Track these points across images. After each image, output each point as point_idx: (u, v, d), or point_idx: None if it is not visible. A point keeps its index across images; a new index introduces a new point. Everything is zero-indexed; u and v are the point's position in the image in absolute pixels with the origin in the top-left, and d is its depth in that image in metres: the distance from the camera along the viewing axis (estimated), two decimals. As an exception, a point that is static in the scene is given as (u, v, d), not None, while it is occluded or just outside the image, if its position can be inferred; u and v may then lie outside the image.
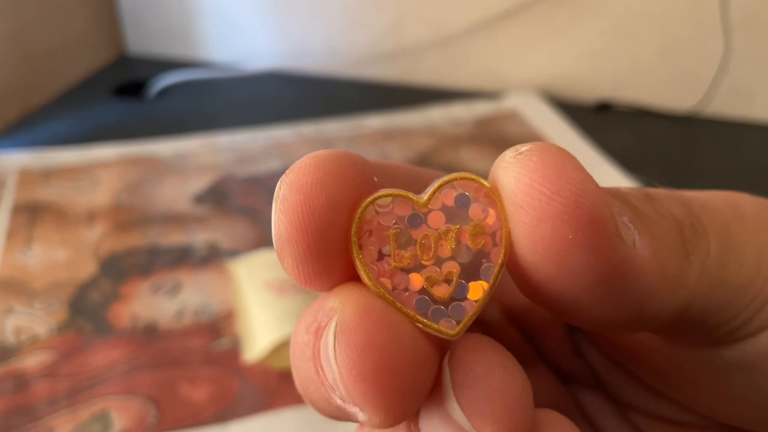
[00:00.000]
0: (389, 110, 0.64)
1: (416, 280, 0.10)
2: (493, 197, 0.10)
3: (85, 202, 0.49)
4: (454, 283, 0.10)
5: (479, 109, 0.65)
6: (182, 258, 0.44)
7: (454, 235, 0.10)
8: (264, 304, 0.38)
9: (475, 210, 0.10)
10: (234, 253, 0.44)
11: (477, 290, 0.10)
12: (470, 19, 0.68)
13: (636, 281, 0.10)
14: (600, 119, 0.65)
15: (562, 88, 0.68)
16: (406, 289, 0.10)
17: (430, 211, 0.10)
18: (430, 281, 0.10)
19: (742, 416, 0.13)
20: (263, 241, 0.46)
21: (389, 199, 0.10)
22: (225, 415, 0.33)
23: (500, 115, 0.63)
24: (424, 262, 0.10)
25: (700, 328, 0.11)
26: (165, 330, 0.38)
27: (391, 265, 0.10)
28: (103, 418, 0.33)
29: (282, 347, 0.36)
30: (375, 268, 0.10)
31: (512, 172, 0.09)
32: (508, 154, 0.09)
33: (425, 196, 0.10)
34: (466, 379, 0.09)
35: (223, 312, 0.39)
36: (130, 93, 0.68)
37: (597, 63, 0.67)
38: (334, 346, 0.09)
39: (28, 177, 0.52)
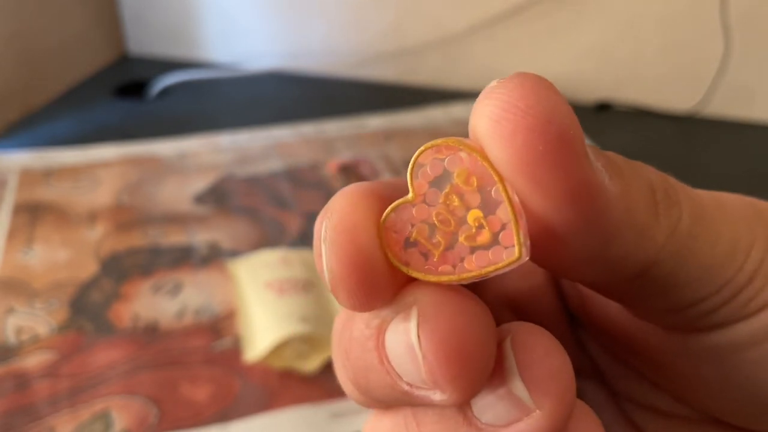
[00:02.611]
0: (389, 110, 0.64)
1: (463, 248, 0.11)
2: (453, 145, 0.10)
3: (85, 202, 0.49)
4: (486, 222, 0.10)
5: (479, 109, 0.65)
6: (183, 258, 0.44)
7: (453, 193, 0.10)
8: (264, 304, 0.38)
9: (449, 164, 0.11)
10: (234, 253, 0.44)
11: (504, 213, 0.10)
12: (470, 19, 0.68)
13: (602, 211, 0.10)
14: (600, 119, 0.65)
15: (561, 88, 0.67)
16: (462, 260, 0.11)
17: (423, 196, 0.11)
18: (471, 238, 0.10)
19: (722, 409, 0.13)
20: (264, 241, 0.46)
21: (392, 214, 0.11)
22: (226, 414, 0.33)
23: (500, 115, 0.63)
24: (453, 231, 0.11)
25: (668, 300, 0.12)
26: (166, 330, 0.38)
27: (436, 256, 0.11)
28: (104, 418, 0.33)
29: (282, 347, 0.36)
30: (430, 267, 0.11)
31: (493, 94, 0.10)
32: (492, 83, 0.10)
33: (409, 190, 0.11)
34: (529, 359, 0.10)
35: (223, 312, 0.39)
36: (131, 93, 0.68)
37: (597, 63, 0.67)
38: (418, 335, 0.10)
39: (28, 177, 0.52)
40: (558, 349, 0.11)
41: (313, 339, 0.36)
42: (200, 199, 0.51)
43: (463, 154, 0.10)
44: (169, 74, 0.70)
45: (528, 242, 0.10)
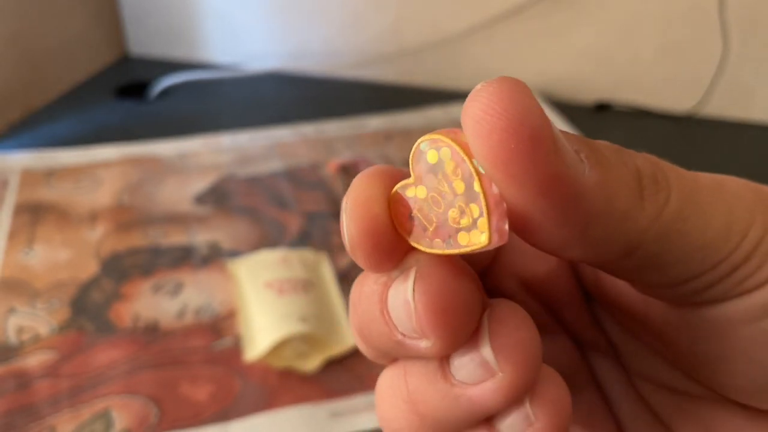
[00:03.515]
0: (389, 111, 0.65)
1: (450, 227, 0.12)
2: (445, 139, 0.12)
3: (86, 203, 0.50)
4: (467, 208, 0.12)
5: (479, 109, 0.65)
6: (183, 258, 0.44)
7: (444, 180, 0.12)
8: (264, 304, 0.38)
9: (443, 155, 0.12)
10: (235, 253, 0.44)
11: (480, 203, 0.12)
12: (469, 19, 0.68)
13: (576, 200, 0.11)
14: (599, 119, 0.65)
15: (561, 88, 0.68)
16: (450, 236, 0.12)
17: (422, 179, 0.12)
18: (455, 220, 0.12)
19: (723, 385, 0.14)
20: (264, 241, 0.46)
21: (399, 191, 0.13)
22: (226, 414, 0.33)
23: (500, 116, 0.64)
24: (443, 212, 0.12)
25: (662, 276, 0.12)
26: (166, 330, 0.38)
27: (430, 230, 0.12)
28: (105, 418, 0.33)
29: (282, 347, 0.36)
30: (427, 239, 0.13)
31: (476, 95, 0.11)
32: (478, 85, 0.12)
33: (411, 174, 0.12)
34: (499, 330, 0.12)
35: (224, 312, 0.40)
36: (131, 93, 0.68)
37: (596, 63, 0.67)
38: (414, 289, 0.12)
39: (30, 177, 0.53)
40: (526, 323, 0.13)
41: (313, 339, 0.36)
42: (200, 199, 0.51)
43: (454, 147, 0.12)
44: (169, 75, 0.70)
45: (505, 227, 0.12)
